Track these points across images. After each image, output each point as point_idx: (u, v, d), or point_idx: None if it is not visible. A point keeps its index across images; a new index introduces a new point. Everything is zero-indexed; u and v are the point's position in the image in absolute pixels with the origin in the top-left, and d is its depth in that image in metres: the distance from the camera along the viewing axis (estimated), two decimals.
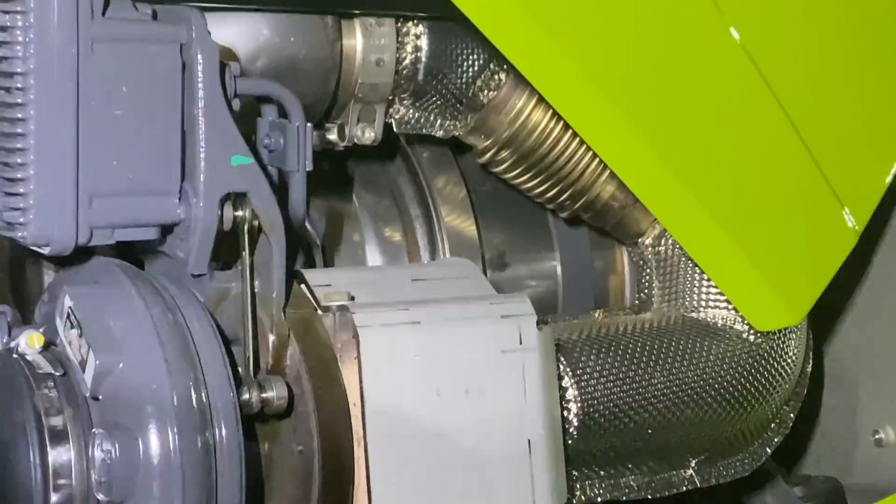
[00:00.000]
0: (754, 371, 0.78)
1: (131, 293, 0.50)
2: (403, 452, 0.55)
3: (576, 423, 0.69)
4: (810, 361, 0.86)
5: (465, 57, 0.77)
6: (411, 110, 0.79)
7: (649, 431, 0.73)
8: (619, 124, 0.69)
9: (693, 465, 0.76)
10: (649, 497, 0.74)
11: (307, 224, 0.66)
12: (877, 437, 0.95)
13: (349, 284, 0.61)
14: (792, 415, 0.84)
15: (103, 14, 0.49)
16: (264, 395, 0.51)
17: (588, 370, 0.71)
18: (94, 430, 0.48)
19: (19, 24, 0.46)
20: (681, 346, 0.75)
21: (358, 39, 0.73)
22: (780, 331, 0.80)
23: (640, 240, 0.84)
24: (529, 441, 0.59)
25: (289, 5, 0.68)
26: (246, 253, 0.53)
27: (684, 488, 0.75)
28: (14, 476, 0.48)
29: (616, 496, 0.73)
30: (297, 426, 0.54)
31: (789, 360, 0.80)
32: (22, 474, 0.47)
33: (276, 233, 0.54)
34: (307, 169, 0.56)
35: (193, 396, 0.47)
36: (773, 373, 0.78)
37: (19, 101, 0.47)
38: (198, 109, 0.51)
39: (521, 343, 0.60)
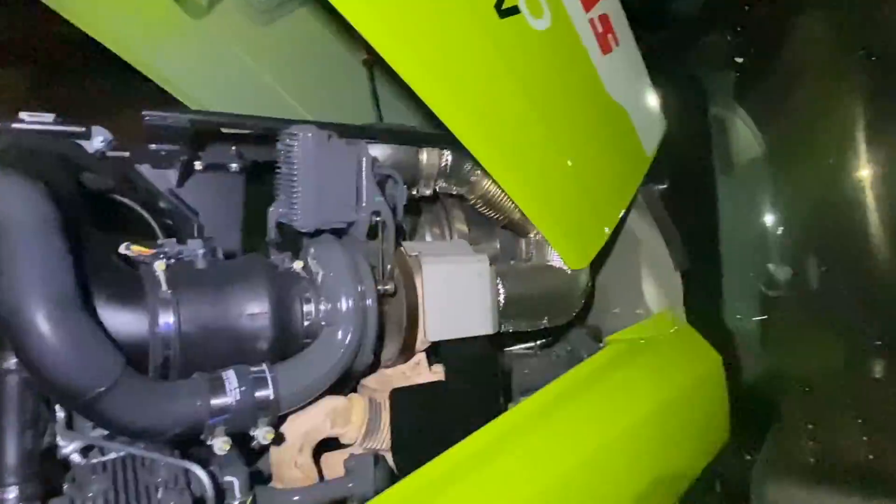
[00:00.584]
0: (569, 283, 1.60)
1: (336, 245, 1.29)
2: (441, 306, 1.36)
3: (501, 301, 1.51)
4: (590, 280, 1.74)
5: (464, 163, 1.62)
6: (442, 182, 1.60)
7: (529, 306, 1.58)
8: (492, 161, 1.49)
9: (545, 320, 1.56)
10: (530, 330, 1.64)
11: (403, 225, 1.48)
12: (614, 311, 1.86)
13: (418, 247, 1.41)
14: (583, 300, 1.75)
15: (328, 139, 1.28)
16: (386, 287, 1.31)
17: (507, 282, 1.55)
18: (320, 298, 1.27)
19: (296, 143, 1.26)
20: (541, 273, 1.59)
21: (423, 155, 1.57)
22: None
23: (529, 235, 1.71)
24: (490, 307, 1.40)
25: (398, 143, 1.50)
26: (381, 235, 1.32)
27: (541, 326, 1.61)
28: (294, 322, 1.26)
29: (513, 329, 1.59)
30: (398, 299, 1.34)
31: (584, 279, 1.69)
32: (296, 320, 1.26)
33: (389, 225, 1.32)
34: (403, 203, 1.36)
35: (361, 287, 1.26)
36: (576, 284, 1.61)
37: (294, 175, 1.26)
38: (362, 179, 1.30)
39: (484, 271, 1.40)
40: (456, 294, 1.40)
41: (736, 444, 1.89)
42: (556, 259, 1.68)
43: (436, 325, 1.35)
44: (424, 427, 1.33)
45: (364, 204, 1.29)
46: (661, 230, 1.90)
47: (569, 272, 1.68)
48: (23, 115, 1.12)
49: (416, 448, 1.29)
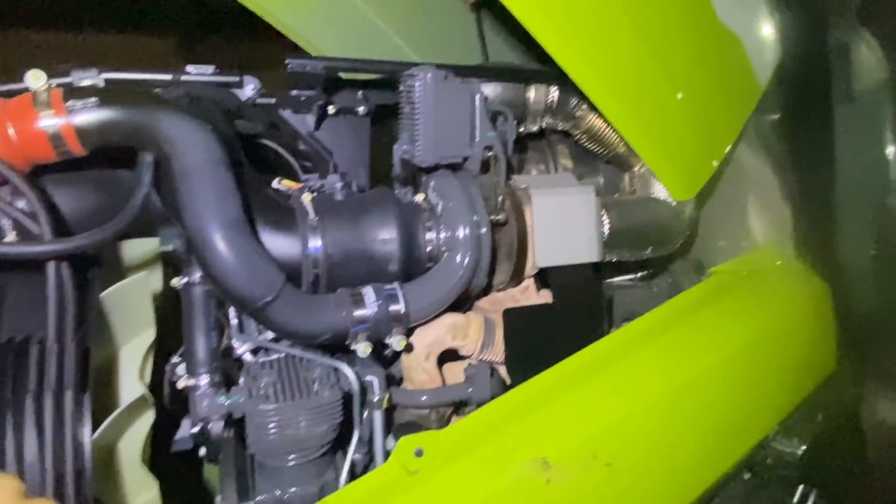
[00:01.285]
0: (673, 214, 1.63)
1: (453, 178, 1.41)
2: (549, 234, 1.46)
3: (606, 232, 1.59)
4: (695, 212, 1.77)
5: (570, 99, 1.66)
6: (548, 118, 1.66)
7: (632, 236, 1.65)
8: (600, 94, 1.52)
9: (648, 251, 1.61)
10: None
11: (512, 160, 1.57)
12: (719, 244, 1.90)
13: (526, 180, 1.51)
14: (687, 232, 1.77)
15: (445, 79, 1.38)
16: (498, 217, 1.42)
17: (611, 213, 1.61)
18: (440, 226, 1.41)
19: (417, 83, 1.36)
20: (645, 204, 1.65)
21: (531, 92, 1.63)
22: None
23: (633, 169, 1.73)
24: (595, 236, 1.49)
25: (505, 79, 1.57)
26: (493, 168, 1.42)
27: (644, 257, 1.67)
28: (418, 247, 1.40)
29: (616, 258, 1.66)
30: (509, 228, 1.45)
31: (688, 211, 1.71)
32: (420, 245, 1.41)
33: (500, 160, 1.42)
34: (513, 138, 1.45)
35: (476, 216, 1.38)
36: (681, 216, 1.65)
37: (416, 114, 1.38)
38: (476, 116, 1.40)
39: (590, 202, 1.48)
40: (563, 223, 1.48)
41: (842, 374, 1.88)
42: (660, 191, 1.71)
43: (544, 252, 1.46)
44: (533, 344, 1.46)
45: (477, 140, 1.39)
46: (770, 162, 1.86)
47: (673, 204, 1.71)
48: (189, 67, 1.30)
49: (526, 362, 1.42)
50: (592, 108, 1.61)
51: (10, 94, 1.03)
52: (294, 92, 1.42)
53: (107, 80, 1.17)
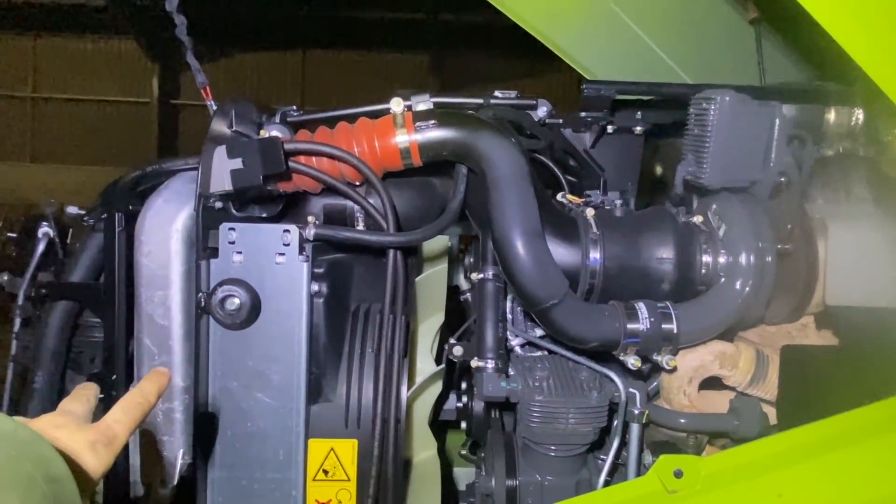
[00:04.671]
0: None
1: (739, 202, 1.37)
2: (845, 271, 1.34)
3: None
4: None
5: (877, 122, 1.48)
6: (847, 143, 1.55)
7: None
8: None
9: None
10: None
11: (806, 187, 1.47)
12: None
13: (820, 210, 1.40)
14: None
15: (743, 102, 1.36)
16: (786, 245, 1.34)
17: None
18: (720, 250, 1.38)
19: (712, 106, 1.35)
20: None
21: (831, 114, 1.53)
22: None
23: None
24: None
25: (806, 101, 1.49)
26: (785, 194, 1.35)
27: None
28: (694, 269, 1.39)
29: None
30: (796, 259, 1.36)
31: None
32: (696, 268, 1.39)
33: (794, 186, 1.34)
34: (810, 163, 1.36)
35: (761, 243, 1.32)
36: None
37: (707, 136, 1.37)
38: (773, 139, 1.34)
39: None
40: (862, 259, 1.35)
41: None
42: None
43: (837, 289, 1.34)
44: (813, 388, 1.36)
45: (771, 164, 1.34)
46: None
47: None
48: (496, 92, 1.48)
49: (802, 406, 1.33)
50: None
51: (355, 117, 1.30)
52: (582, 113, 1.52)
53: (434, 103, 1.40)
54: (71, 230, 1.52)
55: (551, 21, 2.12)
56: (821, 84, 1.69)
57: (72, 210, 1.52)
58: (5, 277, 1.53)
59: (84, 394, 0.81)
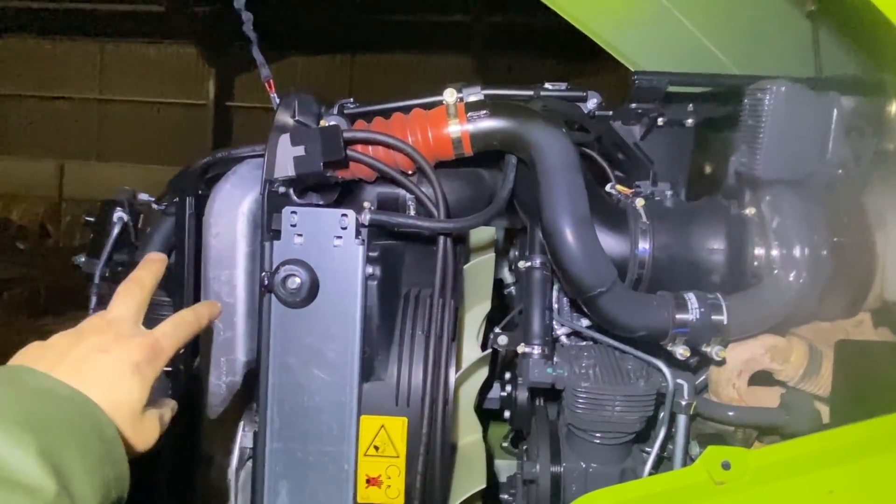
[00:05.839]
0: None
1: (794, 194, 1.35)
2: None
3: None
4: None
5: None
6: None
7: None
8: None
9: None
10: None
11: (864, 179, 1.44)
12: None
13: (881, 204, 1.36)
14: None
15: (799, 92, 1.34)
16: (843, 239, 1.32)
17: None
18: (773, 243, 1.37)
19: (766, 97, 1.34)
20: None
21: (893, 106, 1.44)
22: None
23: None
24: None
25: (868, 92, 1.44)
26: (840, 187, 1.33)
27: None
28: (745, 262, 1.37)
29: None
30: (853, 254, 1.33)
31: None
32: (747, 260, 1.37)
33: (852, 181, 1.31)
34: (869, 157, 1.32)
35: (816, 236, 1.30)
36: None
37: (762, 127, 1.36)
38: (830, 131, 1.32)
39: None
40: None
41: None
42: None
43: None
44: (869, 385, 1.32)
45: (828, 156, 1.31)
46: None
47: None
48: (546, 84, 1.51)
49: (856, 403, 1.30)
50: None
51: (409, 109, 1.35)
52: (633, 105, 1.53)
53: (486, 95, 1.44)
54: (142, 216, 1.63)
55: (600, 15, 2.12)
56: (882, 76, 1.64)
57: (143, 197, 1.64)
58: (83, 259, 1.65)
59: (131, 289, 0.81)
